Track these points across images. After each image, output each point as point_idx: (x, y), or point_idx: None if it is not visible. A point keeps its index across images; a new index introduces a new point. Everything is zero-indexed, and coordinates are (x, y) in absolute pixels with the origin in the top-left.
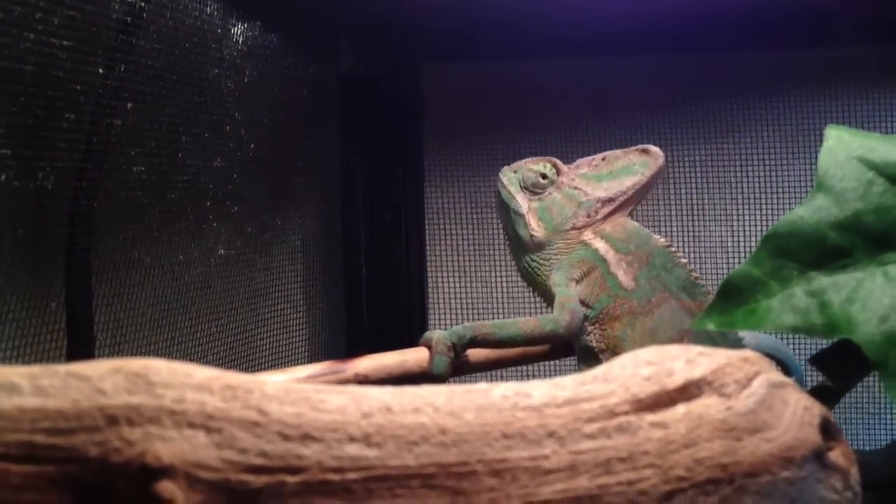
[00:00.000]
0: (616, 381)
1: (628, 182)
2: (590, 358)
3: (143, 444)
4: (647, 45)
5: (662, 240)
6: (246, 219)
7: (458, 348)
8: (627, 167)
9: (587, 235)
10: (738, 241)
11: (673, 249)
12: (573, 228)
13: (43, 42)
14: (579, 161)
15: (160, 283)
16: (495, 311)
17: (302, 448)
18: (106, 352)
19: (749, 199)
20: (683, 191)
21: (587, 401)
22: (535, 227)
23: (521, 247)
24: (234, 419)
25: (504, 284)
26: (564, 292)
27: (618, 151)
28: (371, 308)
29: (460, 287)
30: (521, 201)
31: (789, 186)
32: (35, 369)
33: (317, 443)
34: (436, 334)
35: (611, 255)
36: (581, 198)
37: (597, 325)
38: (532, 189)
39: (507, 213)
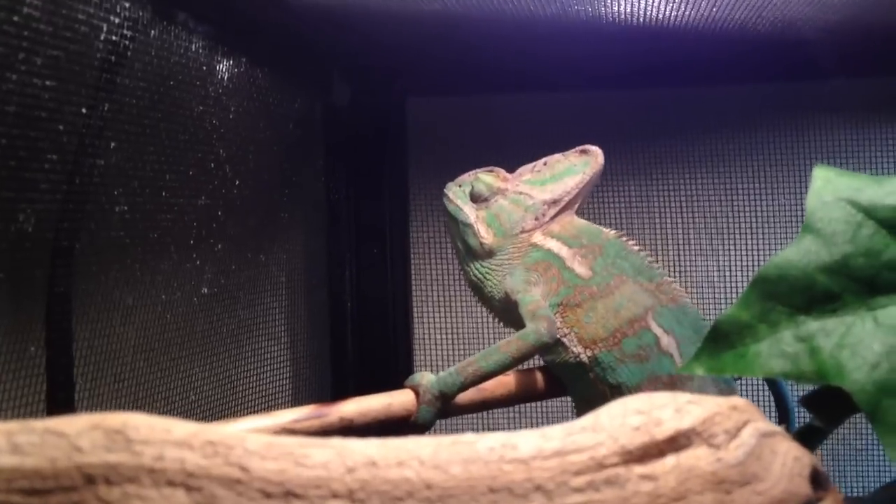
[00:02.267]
0: (604, 432)
1: (571, 182)
2: (555, 346)
3: None
4: (629, 80)
5: (613, 232)
6: (230, 257)
7: (447, 397)
8: (569, 168)
9: (537, 238)
10: (725, 276)
11: (625, 239)
12: (522, 232)
13: (25, 83)
14: (521, 169)
15: (143, 324)
16: (481, 344)
17: None
18: (86, 395)
19: (736, 233)
20: (669, 225)
21: (575, 452)
22: (485, 235)
23: (470, 256)
24: (214, 477)
25: (490, 318)
26: (528, 299)
27: (558, 155)
28: (356, 343)
29: (446, 321)
30: (469, 212)
31: (777, 220)
32: (12, 426)
33: (299, 500)
34: (424, 380)
35: (564, 252)
36: (527, 202)
37: (559, 315)
38: (478, 199)
39: (456, 226)
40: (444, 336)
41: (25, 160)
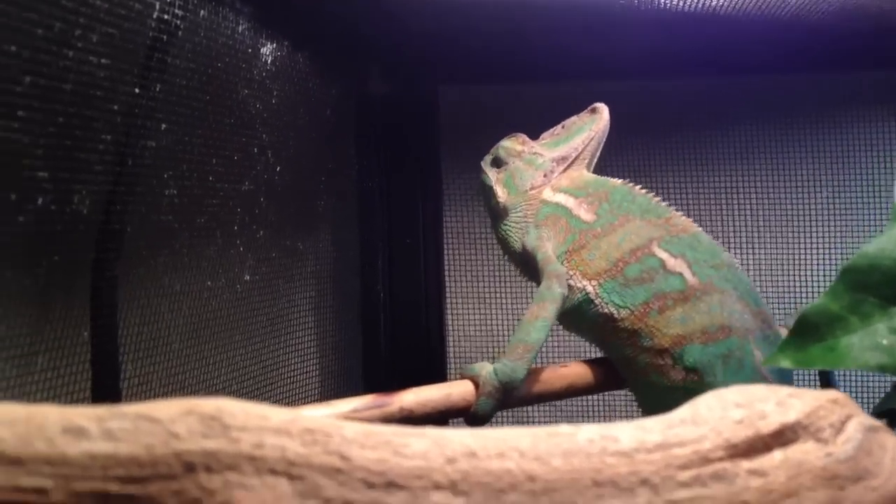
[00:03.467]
0: (706, 425)
1: (578, 140)
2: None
3: (224, 494)
4: (664, 69)
5: (619, 181)
6: (271, 244)
7: (510, 387)
8: (580, 127)
9: (546, 194)
10: (802, 266)
11: (631, 185)
12: (532, 189)
13: (82, 60)
14: (544, 133)
15: (189, 310)
16: (511, 334)
17: (387, 497)
18: (134, 382)
19: (812, 222)
20: (737, 213)
21: (678, 445)
22: (501, 194)
23: (495, 217)
24: (315, 465)
25: (522, 305)
26: (540, 255)
27: (574, 117)
28: (388, 333)
29: (478, 311)
30: (491, 175)
31: (853, 210)
32: (101, 411)
33: (402, 491)
34: (483, 371)
35: (571, 202)
36: (538, 160)
37: (566, 261)
38: (500, 164)
39: (484, 191)
40: (476, 326)
41: (80, 140)
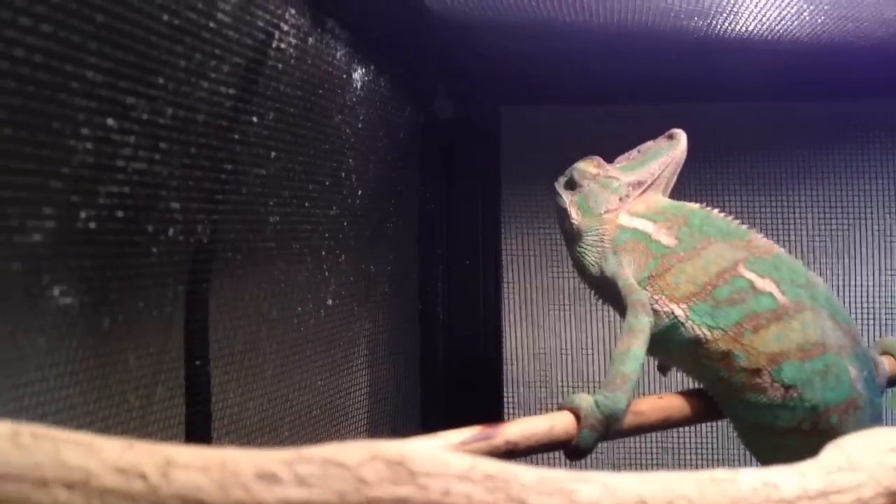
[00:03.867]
0: (863, 471)
1: (654, 164)
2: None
3: None
4: (720, 93)
5: (697, 205)
6: (350, 268)
7: (613, 420)
8: (656, 152)
9: (623, 219)
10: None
11: (709, 209)
12: (607, 212)
13: (213, 91)
14: (619, 157)
15: (281, 336)
16: (569, 358)
17: None
18: (225, 413)
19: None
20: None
21: (838, 493)
22: (575, 217)
23: (569, 240)
24: None
25: (578, 327)
26: (622, 283)
27: (650, 142)
28: (446, 352)
29: (536, 335)
30: (565, 197)
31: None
32: (286, 455)
33: None
34: (584, 403)
35: (650, 227)
36: (613, 184)
37: (649, 286)
38: (574, 186)
39: (558, 213)
40: (532, 347)
41: (208, 170)
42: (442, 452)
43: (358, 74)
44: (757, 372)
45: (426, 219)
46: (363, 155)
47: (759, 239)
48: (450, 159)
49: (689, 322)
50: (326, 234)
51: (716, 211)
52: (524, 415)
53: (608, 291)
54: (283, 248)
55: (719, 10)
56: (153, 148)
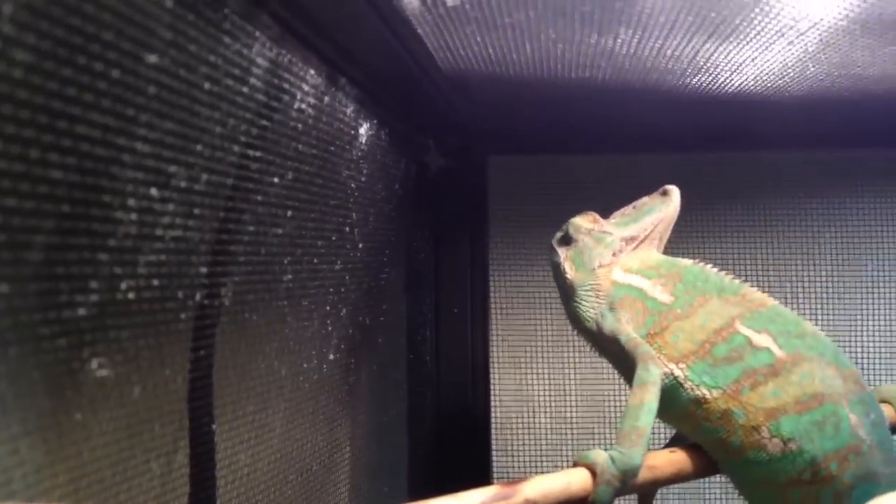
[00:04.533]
0: None
1: (648, 220)
2: None
3: None
4: (703, 144)
5: (690, 261)
6: (350, 321)
7: (629, 475)
8: (650, 209)
9: (617, 275)
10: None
11: (702, 265)
12: (600, 266)
13: (241, 154)
14: (615, 213)
15: (289, 395)
16: (557, 406)
17: None
18: (226, 467)
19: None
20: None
21: None
22: (569, 271)
23: (565, 296)
24: None
25: (565, 374)
26: (624, 338)
27: (645, 198)
28: (435, 401)
29: (522, 378)
30: (560, 252)
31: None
32: None
33: None
34: (600, 458)
35: (645, 284)
36: (607, 239)
37: (648, 343)
38: (569, 241)
39: (554, 269)
40: (520, 395)
41: (233, 233)
42: None
43: (363, 129)
44: (755, 429)
45: (415, 268)
46: (364, 208)
47: (753, 292)
48: (438, 209)
49: (689, 382)
50: (331, 290)
51: (709, 266)
52: (511, 461)
53: (607, 347)
54: (294, 307)
55: (701, 67)
56: (188, 215)
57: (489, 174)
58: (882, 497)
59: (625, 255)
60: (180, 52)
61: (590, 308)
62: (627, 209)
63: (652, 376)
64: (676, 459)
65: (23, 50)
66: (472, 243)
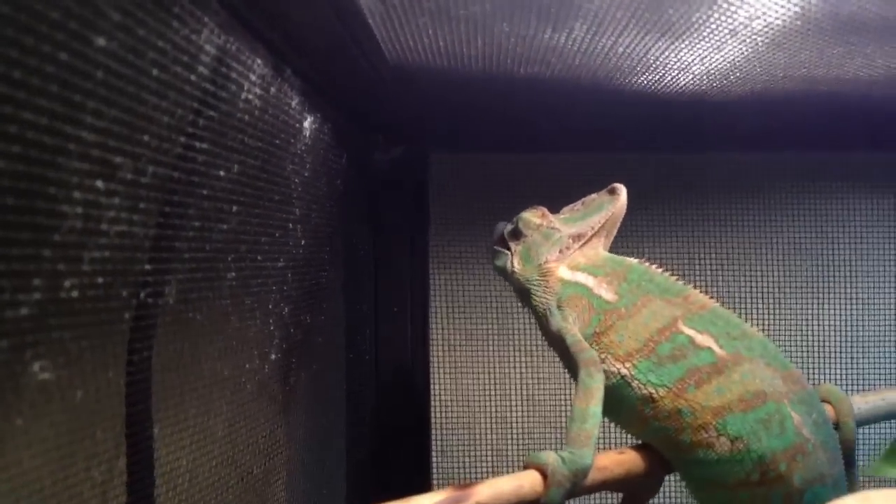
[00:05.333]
0: None
1: (596, 218)
2: None
3: None
4: (647, 143)
5: (636, 260)
6: (291, 320)
7: (580, 476)
8: (599, 206)
9: (564, 272)
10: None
11: (647, 264)
12: (547, 262)
13: (188, 145)
14: (564, 208)
15: (231, 395)
16: (497, 402)
17: None
18: (176, 466)
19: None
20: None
21: None
22: (517, 266)
23: (516, 290)
24: None
25: (504, 372)
26: (570, 339)
27: (593, 195)
28: (374, 399)
29: (462, 376)
30: (511, 245)
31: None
32: None
33: None
34: (550, 460)
35: (590, 281)
36: (555, 235)
37: (594, 342)
38: (518, 235)
39: (499, 263)
40: (461, 393)
41: (179, 228)
42: None
43: (307, 123)
44: (703, 427)
45: (355, 267)
46: (307, 204)
47: (696, 294)
48: (380, 207)
49: (636, 381)
50: (274, 288)
51: (654, 266)
52: (451, 462)
53: (556, 344)
54: (237, 305)
55: (650, 65)
56: (134, 209)
57: (431, 172)
58: (840, 499)
59: (571, 251)
60: (129, 36)
61: (540, 304)
62: (577, 205)
63: (595, 381)
64: (625, 460)
65: None
66: (413, 242)
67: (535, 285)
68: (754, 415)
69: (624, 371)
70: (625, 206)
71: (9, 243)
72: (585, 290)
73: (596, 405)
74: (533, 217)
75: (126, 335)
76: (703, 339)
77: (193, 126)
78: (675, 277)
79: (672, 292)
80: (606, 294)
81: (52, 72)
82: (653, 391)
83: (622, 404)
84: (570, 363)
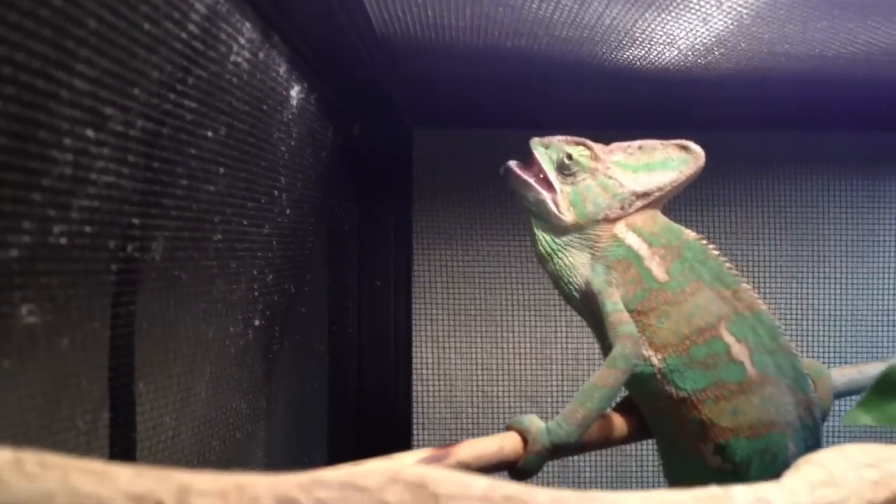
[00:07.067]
0: (846, 486)
1: (665, 178)
2: None
3: None
4: (633, 121)
5: (693, 234)
6: (276, 287)
7: (560, 450)
8: (665, 162)
9: (619, 230)
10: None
11: (704, 242)
12: (605, 220)
13: (177, 102)
14: (613, 146)
15: (216, 358)
16: (473, 378)
17: None
18: (160, 431)
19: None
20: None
21: None
22: (565, 212)
23: (544, 226)
24: None
25: (487, 348)
26: (611, 306)
27: (654, 142)
28: (357, 372)
29: (445, 355)
30: (554, 181)
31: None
32: (302, 479)
33: None
34: (533, 427)
35: (644, 250)
36: (616, 189)
37: (633, 319)
38: (565, 171)
39: (530, 188)
40: (442, 367)
41: (167, 185)
42: (462, 475)
43: (294, 92)
44: (703, 440)
45: (339, 239)
46: (293, 173)
47: (746, 290)
48: (364, 180)
49: (661, 375)
50: (258, 254)
51: (710, 246)
52: (431, 434)
53: (586, 305)
54: (223, 268)
55: (636, 39)
56: (123, 161)
57: (415, 147)
58: (810, 455)
59: (632, 210)
60: None
61: (581, 259)
62: (632, 147)
63: (626, 362)
64: (604, 425)
65: None
66: (397, 216)
67: (582, 239)
68: (756, 444)
69: (654, 361)
70: (699, 172)
71: (1, 183)
72: (637, 259)
73: (609, 390)
74: (584, 158)
75: (111, 287)
76: (739, 351)
77: (182, 84)
78: (729, 264)
79: (723, 282)
80: (657, 271)
81: (47, 16)
82: (672, 391)
83: (641, 388)
84: (601, 331)
